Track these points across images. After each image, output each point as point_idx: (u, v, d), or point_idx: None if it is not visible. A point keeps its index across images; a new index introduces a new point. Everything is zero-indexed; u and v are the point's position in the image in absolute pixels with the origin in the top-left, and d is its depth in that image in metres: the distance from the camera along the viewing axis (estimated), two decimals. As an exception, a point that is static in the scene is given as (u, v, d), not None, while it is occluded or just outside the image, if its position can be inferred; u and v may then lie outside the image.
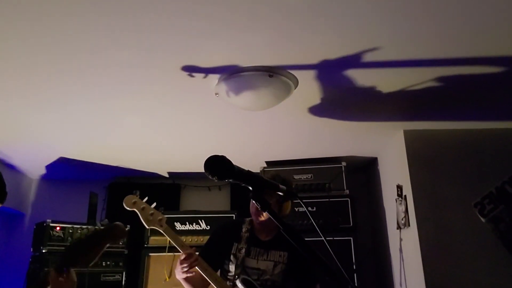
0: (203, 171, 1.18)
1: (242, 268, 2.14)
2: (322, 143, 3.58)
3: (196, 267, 1.99)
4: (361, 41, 1.97)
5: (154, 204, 2.12)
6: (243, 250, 2.18)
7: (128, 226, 3.85)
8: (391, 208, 3.56)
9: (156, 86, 2.47)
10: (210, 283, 2.03)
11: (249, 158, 3.86)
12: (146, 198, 2.11)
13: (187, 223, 3.85)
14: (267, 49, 2.05)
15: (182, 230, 3.81)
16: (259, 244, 2.22)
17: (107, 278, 3.71)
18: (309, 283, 2.22)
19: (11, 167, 4.13)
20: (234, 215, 3.90)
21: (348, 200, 3.62)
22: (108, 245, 1.36)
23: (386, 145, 3.65)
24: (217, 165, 1.19)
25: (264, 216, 2.14)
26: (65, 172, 4.39)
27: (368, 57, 2.12)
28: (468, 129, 3.15)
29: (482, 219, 2.94)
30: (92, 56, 2.11)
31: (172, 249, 2.14)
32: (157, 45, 2.00)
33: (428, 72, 2.30)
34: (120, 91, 2.53)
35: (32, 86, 2.44)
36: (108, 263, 3.74)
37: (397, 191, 3.33)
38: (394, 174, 3.50)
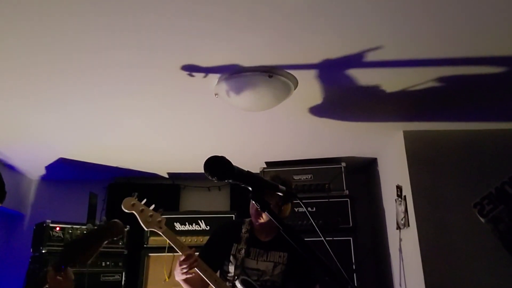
0: (202, 171, 1.18)
1: (241, 269, 2.14)
2: (322, 144, 3.58)
3: (196, 268, 1.99)
4: (361, 41, 1.97)
5: (153, 206, 2.11)
6: (243, 251, 2.17)
7: (128, 226, 3.87)
8: (391, 209, 3.56)
9: (156, 86, 2.46)
10: (209, 284, 2.03)
11: (249, 159, 3.86)
12: (144, 200, 2.11)
13: (186, 223, 3.84)
14: (267, 49, 2.05)
15: (181, 230, 3.81)
16: (259, 245, 2.22)
17: (106, 278, 3.71)
18: (309, 283, 2.21)
19: (10, 167, 4.13)
20: (233, 216, 3.89)
21: (347, 200, 3.62)
22: (106, 242, 1.37)
23: (385, 146, 3.65)
24: (217, 165, 1.19)
25: (264, 216, 2.14)
26: (64, 173, 4.39)
27: (368, 57, 2.12)
28: (468, 130, 3.15)
29: (482, 220, 2.94)
30: (92, 56, 2.10)
31: (171, 249, 2.13)
32: (157, 45, 2.00)
33: (428, 72, 2.30)
34: (120, 91, 2.53)
35: (32, 86, 2.44)
36: (108, 263, 3.73)
37: (397, 191, 3.33)
38: (394, 174, 3.50)
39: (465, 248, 2.88)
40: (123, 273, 3.79)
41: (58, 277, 1.30)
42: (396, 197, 3.34)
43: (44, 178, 4.64)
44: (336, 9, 1.72)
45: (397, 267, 3.37)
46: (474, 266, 2.83)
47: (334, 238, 3.40)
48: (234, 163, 1.20)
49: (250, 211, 2.22)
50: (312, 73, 2.29)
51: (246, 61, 2.18)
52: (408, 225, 3.10)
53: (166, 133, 3.30)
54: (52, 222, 3.63)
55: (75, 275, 1.35)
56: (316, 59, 2.15)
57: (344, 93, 2.57)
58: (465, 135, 3.15)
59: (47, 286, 1.30)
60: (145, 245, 3.78)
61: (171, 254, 3.44)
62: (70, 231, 3.67)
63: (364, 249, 3.93)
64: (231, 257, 2.19)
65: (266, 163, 4.03)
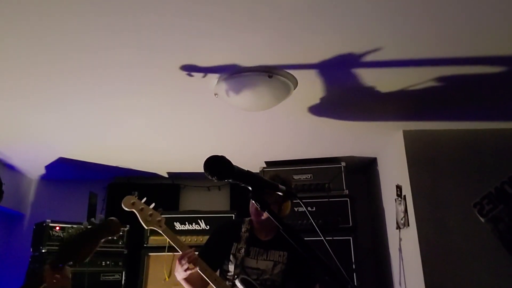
0: (202, 171, 1.18)
1: (241, 268, 2.14)
2: (322, 143, 3.58)
3: (196, 267, 1.99)
4: (361, 41, 1.97)
5: (153, 205, 2.12)
6: (243, 250, 2.17)
7: (128, 226, 3.87)
8: (391, 208, 3.56)
9: (156, 86, 2.47)
10: (209, 283, 2.03)
11: (249, 158, 3.86)
12: (144, 199, 2.11)
13: (186, 223, 3.85)
14: (267, 49, 2.05)
15: (181, 230, 3.81)
16: (259, 244, 2.22)
17: (106, 277, 3.71)
18: (309, 283, 2.21)
19: (10, 167, 4.13)
20: (233, 215, 3.90)
21: (347, 200, 3.62)
22: (103, 241, 1.36)
23: (385, 145, 3.65)
24: (217, 165, 1.19)
25: (264, 216, 2.14)
26: (64, 172, 4.39)
27: (368, 57, 2.12)
28: (468, 129, 3.15)
29: (482, 219, 2.94)
30: (92, 56, 2.10)
31: (171, 248, 2.13)
32: (157, 45, 2.00)
33: (428, 72, 2.30)
34: (120, 91, 2.53)
35: (32, 86, 2.44)
36: (108, 262, 3.74)
37: (397, 191, 3.33)
38: (394, 174, 3.50)
39: (465, 248, 2.88)
40: (123, 273, 3.80)
41: (56, 275, 1.30)
42: (396, 197, 3.34)
43: (44, 178, 4.65)
44: (336, 9, 1.72)
45: (396, 266, 3.37)
46: (474, 266, 2.83)
47: (334, 238, 3.40)
48: (234, 163, 1.20)
49: (250, 210, 2.22)
50: (312, 73, 2.29)
51: (245, 61, 2.18)
52: (408, 225, 3.10)
53: (165, 133, 3.30)
54: (52, 222, 3.64)
55: (75, 275, 1.35)
56: (316, 59, 2.15)
57: (344, 93, 2.57)
58: (465, 135, 3.15)
59: (45, 285, 1.30)
60: (145, 245, 3.78)
61: (171, 253, 3.44)
62: (70, 231, 3.67)
63: (363, 249, 3.93)
64: (231, 256, 2.19)
65: (266, 162, 4.03)
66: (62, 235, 3.62)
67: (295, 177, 3.77)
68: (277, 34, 1.91)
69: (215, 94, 2.48)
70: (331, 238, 3.38)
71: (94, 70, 2.25)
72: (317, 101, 2.68)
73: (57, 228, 3.64)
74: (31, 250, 3.76)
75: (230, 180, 1.20)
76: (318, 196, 3.64)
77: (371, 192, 4.35)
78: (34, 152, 3.74)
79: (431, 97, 2.62)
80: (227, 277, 2.16)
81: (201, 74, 2.30)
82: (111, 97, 2.61)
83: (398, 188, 3.31)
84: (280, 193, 1.36)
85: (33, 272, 3.55)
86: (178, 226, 3.82)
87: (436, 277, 2.83)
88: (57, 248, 3.53)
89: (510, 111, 2.87)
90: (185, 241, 3.54)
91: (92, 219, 1.40)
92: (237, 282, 2.07)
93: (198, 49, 2.04)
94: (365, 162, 4.21)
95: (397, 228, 3.35)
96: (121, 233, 3.85)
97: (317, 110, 2.82)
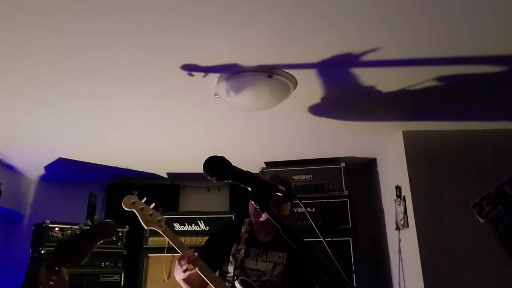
0: (202, 171, 1.18)
1: (241, 269, 2.14)
2: (321, 144, 3.58)
3: (195, 268, 1.99)
4: (360, 41, 1.97)
5: (153, 205, 2.11)
6: (242, 251, 2.17)
7: (127, 226, 3.86)
8: (390, 209, 3.56)
9: (156, 86, 2.46)
10: (208, 284, 2.03)
11: (248, 159, 3.86)
12: (145, 199, 2.11)
13: (186, 223, 3.84)
14: (266, 48, 2.05)
15: (181, 230, 3.80)
16: (258, 245, 2.22)
17: (106, 279, 3.70)
18: (308, 284, 2.21)
19: (10, 167, 4.12)
20: (233, 216, 3.89)
21: (347, 201, 3.61)
22: (100, 243, 1.36)
23: (385, 146, 3.65)
24: (216, 165, 1.19)
25: (263, 217, 2.14)
26: (64, 173, 4.39)
27: (367, 57, 2.12)
28: (467, 130, 3.15)
29: (481, 220, 2.94)
30: (92, 56, 2.10)
31: (171, 249, 2.13)
32: (157, 45, 2.00)
33: (427, 72, 2.30)
34: (120, 91, 2.53)
35: (32, 86, 2.44)
36: (107, 264, 3.73)
37: (396, 192, 3.33)
38: (393, 175, 3.50)
39: (464, 249, 2.88)
40: (122, 274, 3.79)
41: (52, 277, 1.29)
42: (396, 198, 3.34)
43: (43, 178, 4.64)
44: (335, 9, 1.72)
45: (396, 267, 3.37)
46: (473, 266, 2.83)
47: (334, 239, 3.40)
48: (233, 163, 1.20)
49: (249, 210, 2.22)
50: (312, 72, 2.29)
51: (245, 61, 2.18)
52: (408, 226, 3.10)
53: (165, 133, 3.30)
54: (51, 223, 3.63)
55: (74, 276, 1.34)
56: (315, 58, 2.15)
57: (343, 93, 2.57)
58: (465, 136, 3.15)
59: (41, 287, 1.29)
60: (144, 246, 3.77)
61: (171, 254, 3.43)
62: (69, 232, 3.67)
63: (363, 250, 3.93)
64: (231, 257, 2.18)
65: (266, 163, 4.03)
66: (61, 236, 3.61)
67: (295, 177, 3.77)
68: (277, 34, 1.91)
69: (215, 94, 2.48)
70: (330, 239, 3.38)
71: (94, 70, 2.25)
72: (317, 101, 2.68)
73: (57, 229, 3.63)
74: (30, 251, 3.75)
75: (229, 181, 1.20)
76: (317, 197, 3.64)
77: (370, 192, 4.35)
78: (34, 152, 3.74)
79: (431, 97, 2.62)
80: (227, 278, 2.16)
81: (201, 74, 2.30)
82: (111, 97, 2.61)
83: (398, 188, 3.31)
84: (279, 194, 1.36)
85: (32, 273, 3.54)
86: (177, 226, 3.81)
87: (436, 277, 2.83)
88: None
89: (510, 111, 2.87)
90: (184, 242, 3.52)
91: (88, 221, 1.40)
92: (237, 283, 2.07)
93: (198, 49, 2.04)
94: (364, 163, 4.21)
95: (396, 229, 3.35)
96: (119, 234, 3.84)
97: (316, 110, 2.82)
